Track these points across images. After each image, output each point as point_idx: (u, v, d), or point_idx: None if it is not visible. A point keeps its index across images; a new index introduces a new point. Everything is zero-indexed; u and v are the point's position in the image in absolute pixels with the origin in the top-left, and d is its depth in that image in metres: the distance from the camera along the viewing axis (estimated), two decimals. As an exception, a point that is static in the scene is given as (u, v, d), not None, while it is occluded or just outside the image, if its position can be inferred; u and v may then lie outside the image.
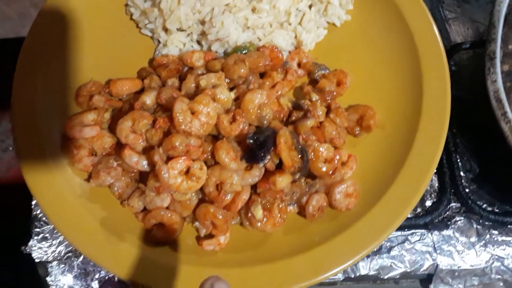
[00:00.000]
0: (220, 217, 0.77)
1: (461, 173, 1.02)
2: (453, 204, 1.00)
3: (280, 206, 0.80)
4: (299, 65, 0.99)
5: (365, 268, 0.91)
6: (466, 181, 1.03)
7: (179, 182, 0.77)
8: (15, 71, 0.94)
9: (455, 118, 1.05)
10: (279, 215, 0.80)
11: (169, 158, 0.79)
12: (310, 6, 1.02)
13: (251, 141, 0.78)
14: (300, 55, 0.98)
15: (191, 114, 0.78)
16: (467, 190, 1.00)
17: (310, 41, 0.99)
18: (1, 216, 1.04)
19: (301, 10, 1.00)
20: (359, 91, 0.97)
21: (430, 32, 0.97)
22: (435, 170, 0.93)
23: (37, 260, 0.94)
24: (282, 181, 0.77)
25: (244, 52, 0.95)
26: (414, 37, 0.98)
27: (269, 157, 0.79)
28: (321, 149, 0.82)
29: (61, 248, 0.95)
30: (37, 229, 0.96)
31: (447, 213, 0.99)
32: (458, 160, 1.03)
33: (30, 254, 0.95)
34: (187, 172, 0.78)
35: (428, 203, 1.01)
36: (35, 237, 0.96)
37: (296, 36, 1.00)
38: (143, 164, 0.81)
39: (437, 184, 1.02)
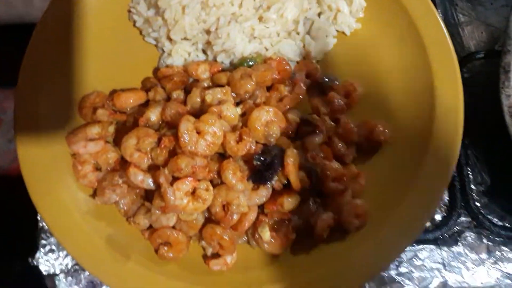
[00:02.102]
0: (227, 238, 0.76)
1: (472, 186, 1.00)
2: (463, 218, 0.98)
3: (288, 226, 0.79)
4: (307, 76, 0.96)
5: (373, 286, 0.90)
6: (477, 194, 1.00)
7: (185, 203, 0.76)
8: (17, 82, 0.93)
9: (467, 127, 1.03)
10: (286, 236, 0.79)
11: (174, 177, 0.77)
12: (319, 14, 0.98)
13: (258, 162, 0.76)
14: (309, 66, 0.95)
15: (196, 133, 0.76)
16: (477, 203, 0.98)
17: (319, 51, 0.96)
18: (7, 226, 1.04)
19: (309, 19, 0.96)
20: (368, 103, 0.94)
21: (443, 43, 0.94)
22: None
23: (44, 273, 0.94)
24: (290, 202, 0.76)
25: (250, 63, 0.92)
26: (426, 48, 0.94)
27: (276, 177, 0.77)
28: (330, 167, 0.80)
29: (67, 260, 0.95)
30: (44, 241, 0.96)
31: (457, 228, 0.97)
32: (469, 173, 1.01)
33: (37, 267, 0.95)
34: (193, 192, 0.77)
35: (438, 217, 0.99)
36: (42, 249, 0.96)
37: (304, 46, 0.97)
38: (149, 183, 0.80)
39: (447, 198, 1.00)
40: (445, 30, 0.95)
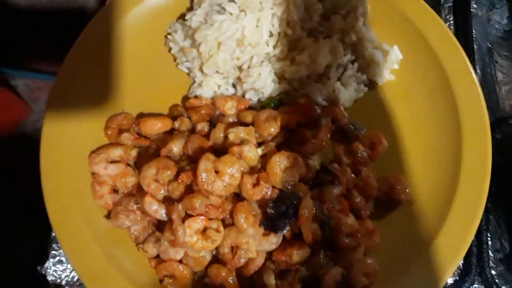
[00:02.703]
0: (231, 281, 0.76)
1: (490, 253, 0.97)
2: (476, 285, 0.95)
3: (295, 277, 0.78)
4: (332, 122, 0.95)
5: None
6: (494, 262, 0.97)
7: (194, 241, 0.76)
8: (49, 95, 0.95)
9: (492, 189, 1.00)
10: (291, 286, 0.77)
11: (187, 213, 0.78)
12: (352, 62, 0.97)
13: (272, 211, 0.76)
14: (336, 112, 0.94)
15: (215, 173, 0.76)
16: (493, 272, 0.95)
17: (348, 98, 0.95)
18: (21, 233, 1.07)
19: (342, 65, 0.96)
20: (392, 156, 0.93)
21: (476, 104, 0.92)
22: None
23: (50, 283, 0.96)
24: (300, 255, 0.75)
25: (278, 103, 0.92)
26: (458, 107, 0.92)
27: (289, 227, 0.76)
28: (344, 222, 0.79)
29: (74, 273, 0.97)
30: (54, 252, 0.98)
31: (469, 294, 0.94)
32: (489, 239, 0.98)
33: (45, 276, 0.96)
34: (204, 230, 0.77)
35: (449, 281, 0.96)
36: (51, 259, 0.97)
37: (333, 91, 0.96)
38: (162, 213, 0.81)
39: (461, 262, 0.97)
40: (479, 89, 0.93)
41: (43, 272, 0.96)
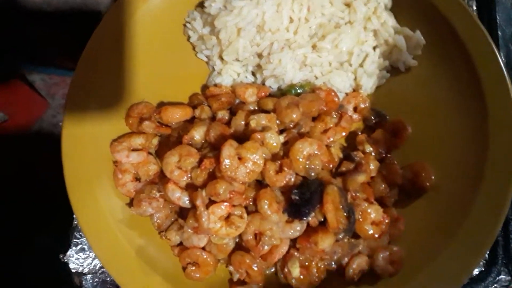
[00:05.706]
0: (255, 268, 0.75)
1: (517, 244, 0.94)
2: (502, 276, 0.93)
3: (319, 265, 0.77)
4: (355, 109, 0.93)
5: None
6: (522, 253, 0.95)
7: (218, 227, 0.76)
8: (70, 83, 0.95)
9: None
10: (316, 274, 0.77)
11: (210, 199, 0.77)
12: (374, 48, 0.96)
13: (296, 197, 0.75)
14: (358, 99, 0.93)
15: (238, 159, 0.76)
16: (521, 263, 0.93)
17: (370, 85, 0.94)
18: (43, 221, 1.08)
19: (364, 51, 0.94)
20: (416, 144, 0.91)
21: (502, 90, 0.88)
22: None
23: (73, 270, 0.97)
24: (325, 242, 0.74)
25: (299, 91, 0.91)
26: (484, 93, 0.89)
27: (313, 214, 0.75)
28: (369, 210, 0.78)
29: (96, 261, 0.97)
30: (76, 240, 0.99)
31: (495, 285, 0.92)
32: (515, 229, 0.95)
33: (67, 263, 0.97)
34: (228, 217, 0.77)
35: (475, 271, 0.94)
36: (74, 248, 0.98)
37: (355, 78, 0.94)
38: (185, 200, 0.80)
39: (488, 252, 0.94)
40: (506, 75, 0.90)
41: (66, 260, 0.97)
